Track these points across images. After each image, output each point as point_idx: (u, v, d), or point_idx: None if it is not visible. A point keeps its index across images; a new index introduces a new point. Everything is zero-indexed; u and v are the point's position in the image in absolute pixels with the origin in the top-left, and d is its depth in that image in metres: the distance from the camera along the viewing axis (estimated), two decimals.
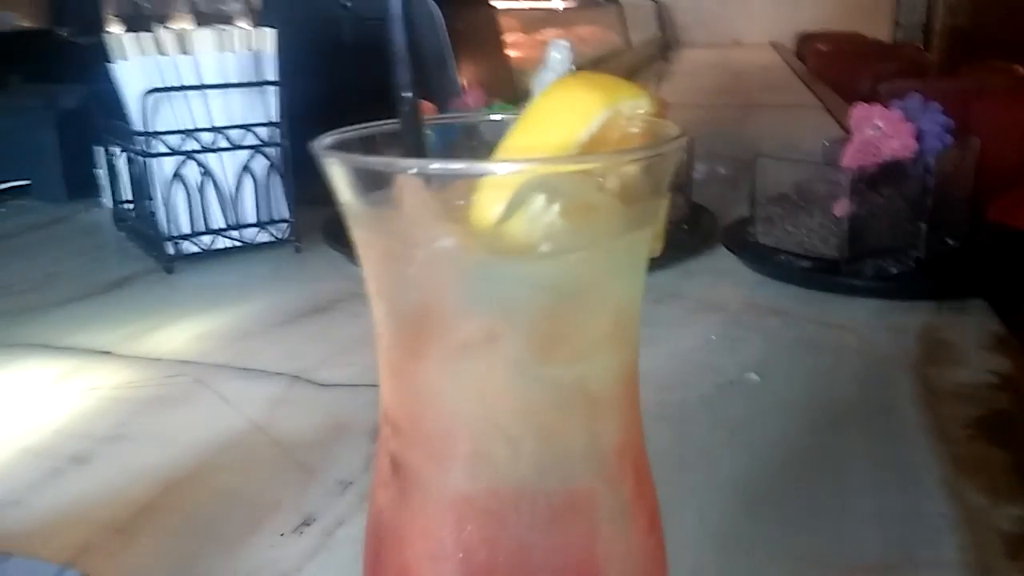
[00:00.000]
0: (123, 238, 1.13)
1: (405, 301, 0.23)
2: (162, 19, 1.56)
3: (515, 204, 0.22)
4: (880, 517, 0.51)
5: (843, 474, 0.56)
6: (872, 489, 0.54)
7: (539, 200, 0.22)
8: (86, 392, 0.71)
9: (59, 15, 3.49)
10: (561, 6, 2.78)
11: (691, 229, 1.05)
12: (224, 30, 1.01)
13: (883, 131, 0.91)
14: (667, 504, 0.53)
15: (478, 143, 0.26)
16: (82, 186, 1.31)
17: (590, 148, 0.24)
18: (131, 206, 1.11)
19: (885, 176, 0.91)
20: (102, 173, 1.24)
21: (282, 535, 0.51)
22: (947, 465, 0.56)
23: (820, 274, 0.89)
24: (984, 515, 0.51)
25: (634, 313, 0.24)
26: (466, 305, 0.22)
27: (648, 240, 0.24)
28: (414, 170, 0.21)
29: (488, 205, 0.22)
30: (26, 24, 3.45)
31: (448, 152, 0.26)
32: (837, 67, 3.51)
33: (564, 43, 0.90)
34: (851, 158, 0.90)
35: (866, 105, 0.93)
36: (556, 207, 0.22)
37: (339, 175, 0.22)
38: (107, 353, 0.78)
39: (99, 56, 1.01)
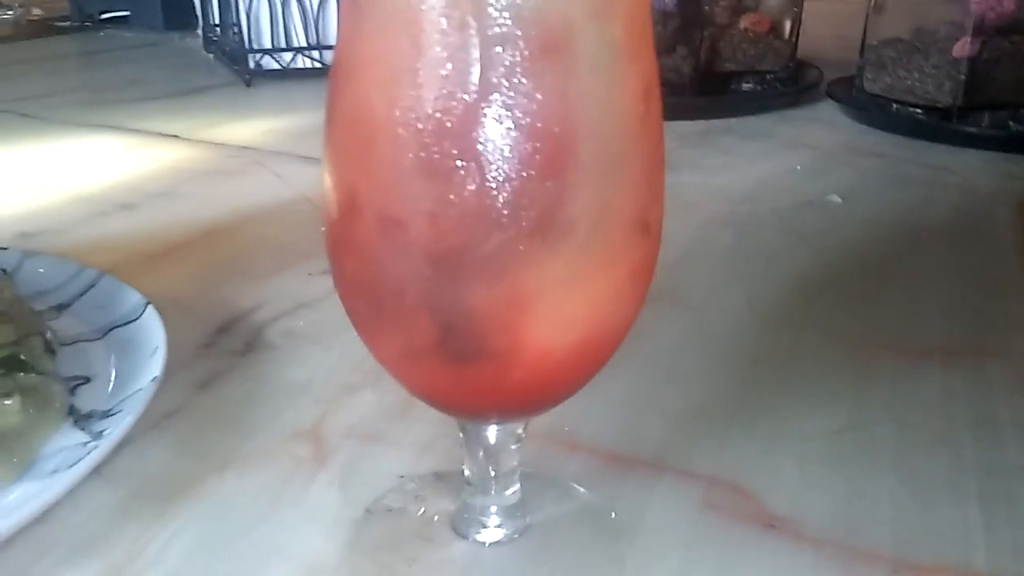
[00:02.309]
0: (210, 60, 1.13)
1: None
2: None
3: None
4: (951, 312, 0.46)
5: (918, 276, 0.51)
6: (947, 290, 0.49)
7: None
8: (146, 162, 0.71)
9: None
10: None
11: (794, 79, 0.98)
12: None
13: None
14: (716, 286, 0.49)
15: None
16: (180, 18, 1.31)
17: None
18: (220, 27, 1.10)
19: (1017, 21, 0.82)
20: (197, 3, 1.24)
21: (309, 275, 0.50)
22: None
23: (929, 121, 0.81)
24: None
25: None
26: None
27: None
28: None
29: None
30: None
31: None
32: None
33: None
34: None
35: None
36: None
37: None
38: (175, 136, 0.78)
39: None
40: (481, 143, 0.20)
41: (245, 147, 0.75)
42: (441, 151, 0.20)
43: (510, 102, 0.20)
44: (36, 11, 1.46)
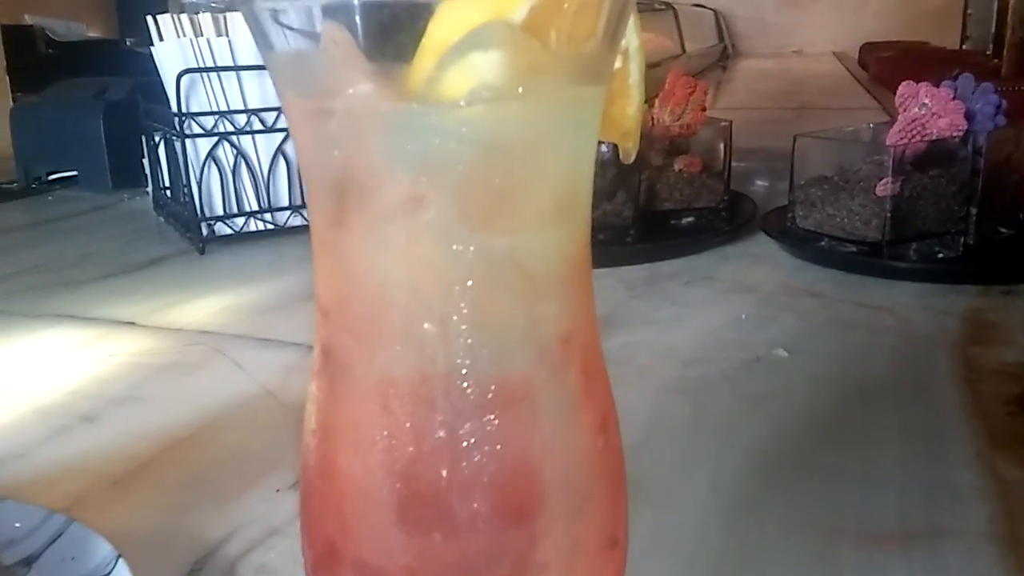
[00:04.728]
0: (162, 223, 1.14)
1: (328, 164, 0.21)
2: None
3: (451, 56, 0.20)
4: (905, 488, 0.48)
5: (869, 446, 0.53)
6: (899, 461, 0.51)
7: (476, 49, 0.20)
8: (105, 358, 0.71)
9: (127, 27, 3.61)
10: None
11: (729, 215, 1.02)
12: None
13: (930, 109, 0.87)
14: (677, 471, 0.51)
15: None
16: (128, 176, 1.33)
17: (542, 8, 0.22)
18: (170, 191, 1.12)
19: (932, 156, 0.87)
20: (146, 162, 1.26)
21: (277, 491, 0.50)
22: (982, 439, 0.52)
23: (861, 257, 0.85)
24: (1019, 488, 0.47)
25: (582, 189, 0.22)
26: (388, 163, 0.20)
27: (596, 104, 0.22)
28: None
29: (422, 63, 0.20)
30: (95, 35, 3.58)
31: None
32: (900, 73, 3.41)
33: None
34: (896, 137, 0.87)
35: (913, 83, 0.89)
36: (494, 54, 0.20)
37: (264, 22, 0.21)
38: (131, 324, 0.79)
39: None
40: (454, 502, 0.21)
41: (203, 331, 0.76)
42: (417, 510, 0.22)
43: (479, 460, 0.21)
44: None
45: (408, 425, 0.21)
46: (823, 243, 0.89)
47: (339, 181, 0.21)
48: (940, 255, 0.86)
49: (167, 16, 0.98)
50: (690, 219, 1.02)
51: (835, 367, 0.65)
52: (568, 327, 0.23)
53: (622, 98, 0.27)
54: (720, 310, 0.77)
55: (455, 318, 0.21)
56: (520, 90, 0.20)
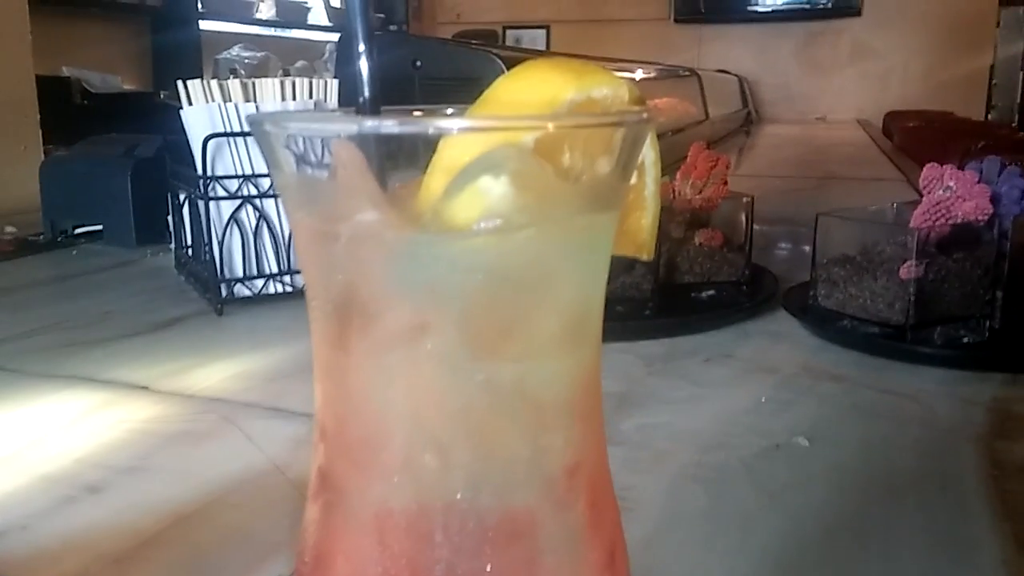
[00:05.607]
0: (183, 281, 1.15)
1: (332, 287, 0.21)
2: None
3: (460, 182, 0.20)
4: None
5: (891, 547, 0.51)
6: (922, 565, 0.49)
7: (486, 175, 0.19)
8: (115, 425, 0.70)
9: (161, 80, 3.71)
10: (639, 76, 2.79)
11: (750, 290, 1.01)
12: (288, 80, 1.03)
13: (955, 192, 0.86)
14: (693, 568, 0.49)
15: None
16: (152, 233, 1.34)
17: (554, 136, 0.21)
18: (192, 251, 1.13)
19: (956, 239, 0.86)
20: (170, 220, 1.27)
21: None
22: (1010, 545, 0.50)
23: (883, 340, 0.84)
24: None
25: (592, 314, 0.22)
26: (392, 290, 0.20)
27: (608, 229, 0.22)
28: (348, 130, 0.19)
29: (432, 182, 0.20)
30: (130, 87, 3.66)
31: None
32: (925, 143, 3.40)
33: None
34: (920, 219, 0.86)
35: (937, 165, 0.89)
36: (504, 181, 0.19)
37: (274, 144, 0.21)
38: (144, 388, 0.78)
39: None
40: None
41: (214, 398, 0.75)
42: None
43: None
44: (9, 229, 1.48)
45: (405, 560, 0.21)
46: (845, 323, 0.88)
47: (342, 303, 0.21)
48: (965, 340, 0.84)
49: (197, 82, 1.00)
50: (710, 293, 1.01)
51: (857, 458, 0.63)
52: (575, 457, 0.22)
53: (638, 210, 0.27)
54: (739, 392, 0.76)
55: (456, 449, 0.20)
56: (530, 218, 0.20)
